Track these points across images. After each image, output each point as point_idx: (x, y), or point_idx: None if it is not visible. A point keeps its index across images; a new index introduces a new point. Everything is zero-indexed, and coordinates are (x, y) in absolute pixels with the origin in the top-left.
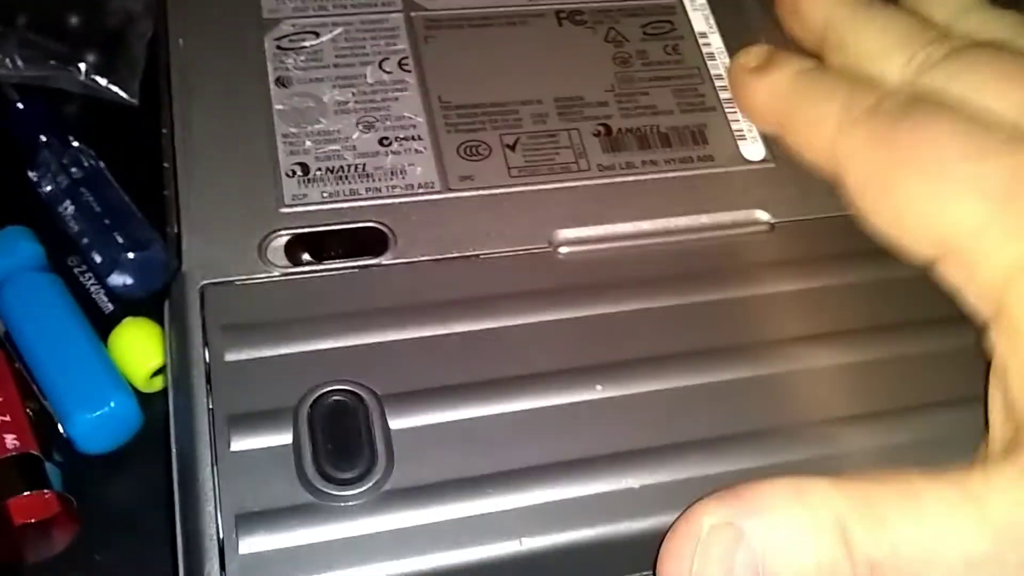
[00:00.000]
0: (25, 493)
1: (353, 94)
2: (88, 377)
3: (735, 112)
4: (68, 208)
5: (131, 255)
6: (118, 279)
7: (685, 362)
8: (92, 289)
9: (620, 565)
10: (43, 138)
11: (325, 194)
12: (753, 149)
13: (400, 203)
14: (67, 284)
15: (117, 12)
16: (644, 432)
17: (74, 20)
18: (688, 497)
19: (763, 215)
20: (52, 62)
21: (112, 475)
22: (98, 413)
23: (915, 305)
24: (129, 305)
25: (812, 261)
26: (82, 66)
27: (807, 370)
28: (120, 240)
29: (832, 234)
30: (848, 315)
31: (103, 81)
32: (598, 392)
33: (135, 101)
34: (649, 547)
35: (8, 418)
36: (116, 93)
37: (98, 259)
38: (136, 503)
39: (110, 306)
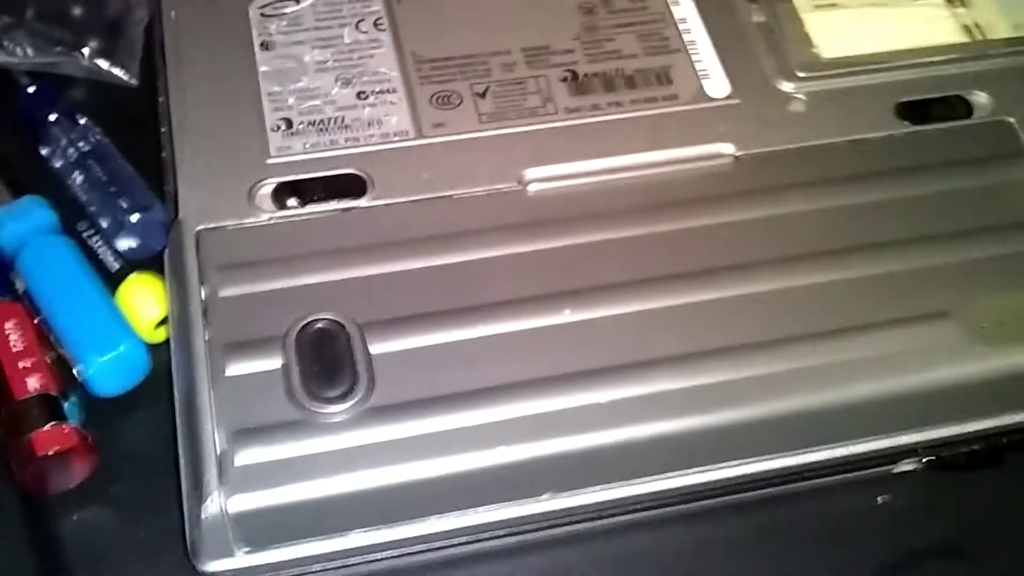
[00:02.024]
0: (46, 427)
1: (332, 54)
2: (100, 325)
3: (699, 52)
4: (77, 179)
5: (134, 218)
6: (124, 240)
7: (649, 286)
8: (100, 251)
9: (589, 475)
10: (52, 117)
11: (307, 145)
12: (718, 86)
13: (377, 151)
14: (79, 247)
15: (116, 1)
16: (610, 352)
17: (77, 10)
18: (652, 411)
19: (727, 148)
20: (58, 49)
21: (125, 416)
22: (110, 355)
23: (873, 228)
24: (136, 265)
25: (775, 190)
26: (85, 52)
27: (770, 291)
28: (124, 205)
29: (794, 164)
30: (808, 239)
31: (105, 64)
32: (567, 316)
33: (135, 82)
34: (614, 458)
35: (30, 364)
36: (117, 75)
37: (105, 223)
38: (147, 442)
39: (116, 265)
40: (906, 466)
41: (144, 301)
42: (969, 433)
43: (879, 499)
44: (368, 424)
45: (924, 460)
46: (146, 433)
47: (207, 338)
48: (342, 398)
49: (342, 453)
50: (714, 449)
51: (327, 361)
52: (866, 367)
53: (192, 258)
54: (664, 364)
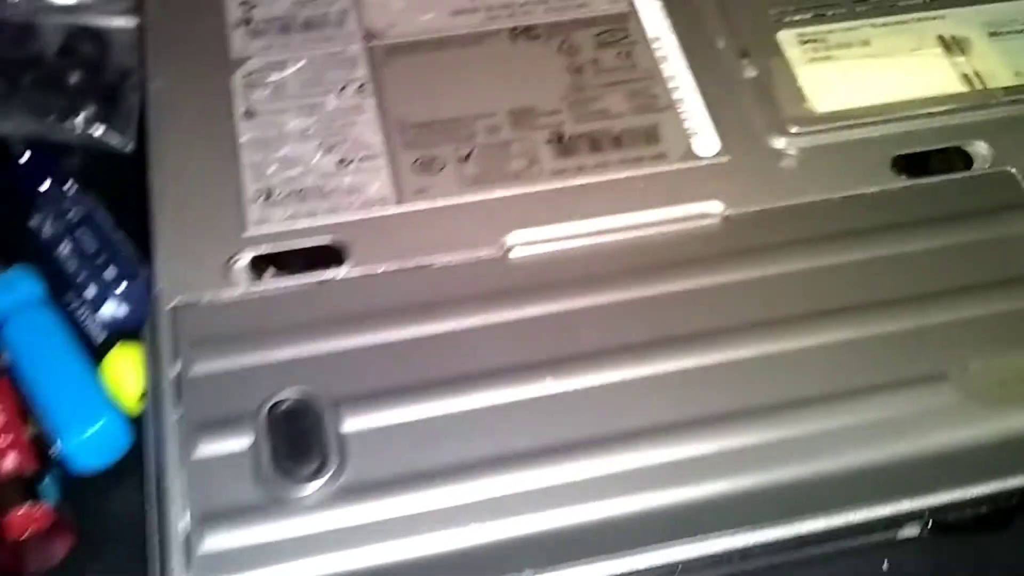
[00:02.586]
0: (21, 508)
1: (315, 121)
2: (80, 400)
3: (688, 109)
4: (64, 249)
5: (120, 288)
6: (109, 311)
7: (634, 353)
8: (87, 322)
9: (570, 551)
10: (43, 187)
11: (286, 215)
12: (706, 144)
13: (357, 219)
14: (65, 318)
15: (114, 68)
16: (593, 422)
17: (73, 77)
18: (637, 486)
19: (716, 207)
20: (53, 117)
21: (110, 490)
22: (88, 431)
23: (868, 288)
24: (123, 334)
25: (765, 249)
26: (80, 119)
27: (762, 356)
28: (111, 275)
29: (786, 222)
30: (800, 300)
31: (99, 132)
32: (548, 386)
33: (130, 148)
34: (598, 534)
35: (7, 442)
36: (112, 142)
37: (91, 294)
38: (131, 516)
39: (102, 337)
40: (911, 530)
41: (128, 373)
42: (975, 497)
43: (885, 564)
44: (340, 504)
45: (929, 524)
46: (130, 507)
47: (178, 417)
48: (312, 477)
49: (313, 535)
50: (708, 521)
51: (297, 439)
52: (863, 434)
53: (166, 333)
54: (651, 434)
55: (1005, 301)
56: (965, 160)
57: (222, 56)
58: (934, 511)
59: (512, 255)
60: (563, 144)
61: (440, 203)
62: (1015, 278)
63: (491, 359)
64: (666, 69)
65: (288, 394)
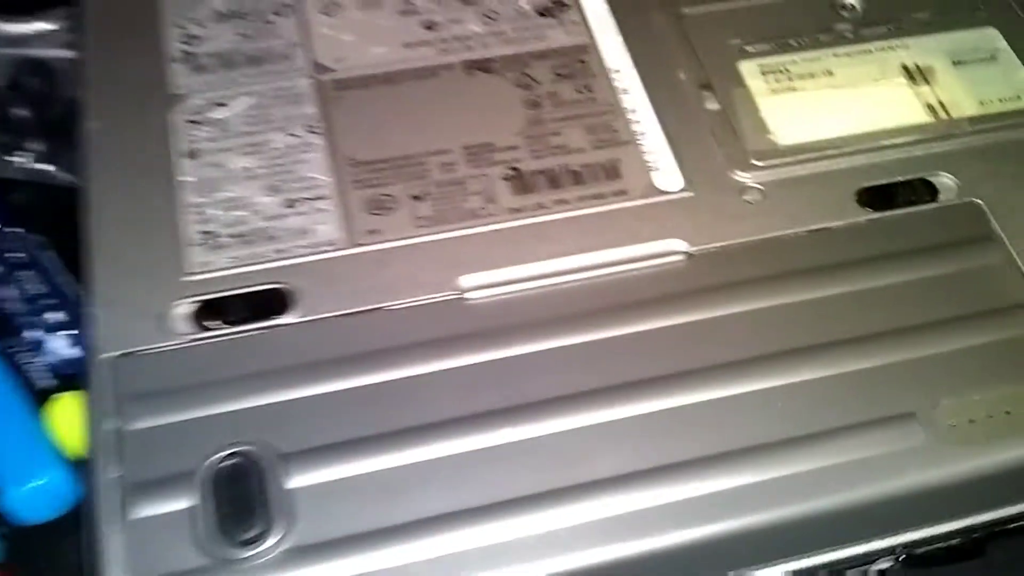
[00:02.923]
0: None
1: (261, 160)
2: (24, 449)
3: (649, 143)
4: (7, 291)
5: (64, 332)
6: (53, 355)
7: (594, 398)
8: (32, 368)
9: None
10: None
11: (230, 259)
12: (669, 179)
13: (304, 262)
14: (7, 364)
15: (62, 101)
16: (553, 473)
17: (21, 111)
18: (601, 538)
19: (679, 244)
20: None
21: (56, 544)
22: (31, 486)
23: (835, 325)
24: (68, 380)
25: (730, 287)
26: (27, 155)
27: (727, 398)
28: (56, 318)
29: (751, 258)
30: (766, 339)
31: (49, 167)
32: (505, 435)
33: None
34: None
35: None
36: (62, 177)
37: (34, 338)
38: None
39: (46, 383)
40: (884, 564)
41: (74, 420)
42: (947, 532)
43: None
44: (288, 567)
45: (901, 558)
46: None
47: (115, 475)
48: (256, 540)
49: None
50: (675, 572)
51: (240, 499)
52: (831, 477)
53: (103, 386)
54: (613, 484)
55: (974, 336)
56: (931, 191)
57: (162, 92)
58: (906, 546)
59: (468, 297)
60: (521, 181)
61: (393, 244)
62: (984, 312)
63: (447, 407)
64: (626, 102)
65: (232, 450)
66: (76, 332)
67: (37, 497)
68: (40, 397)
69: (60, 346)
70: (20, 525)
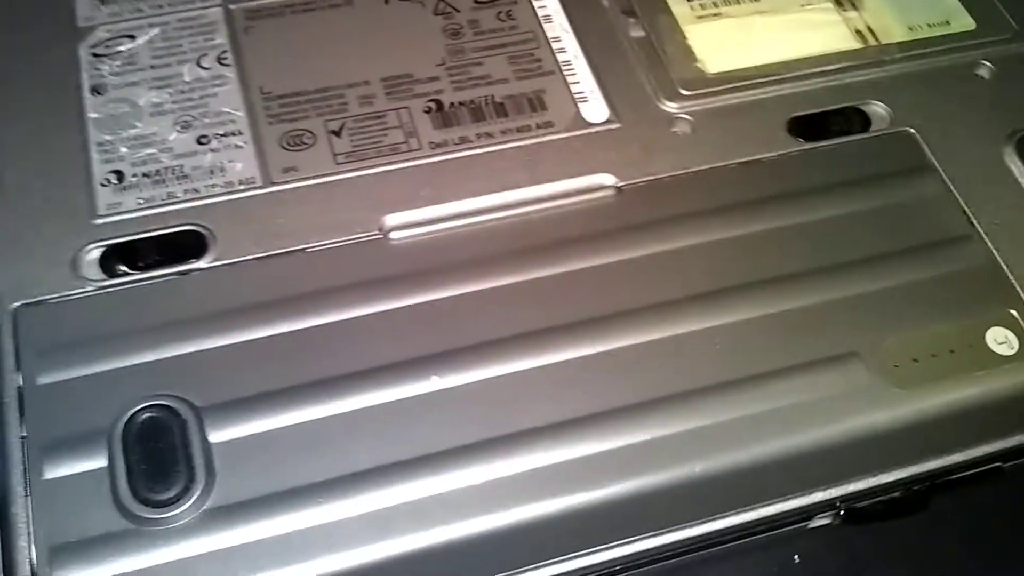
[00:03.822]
0: None
1: (170, 94)
2: None
3: (575, 73)
4: None
5: None
6: None
7: (524, 343)
8: None
9: (463, 566)
10: None
11: (141, 200)
12: (596, 111)
13: (219, 202)
14: None
15: None
16: (482, 423)
17: None
18: (534, 489)
19: (608, 179)
20: None
21: None
22: None
23: (770, 261)
24: None
25: (661, 223)
26: None
27: (658, 340)
28: None
29: (681, 192)
30: (699, 277)
31: None
32: (433, 383)
33: None
34: (492, 545)
35: None
36: None
37: None
38: None
39: None
40: (823, 519)
41: None
42: (888, 483)
43: (796, 558)
44: (208, 529)
45: (842, 512)
46: None
47: (22, 434)
48: (176, 500)
49: (180, 565)
50: (606, 526)
51: (158, 456)
52: (770, 421)
53: (6, 338)
54: (543, 433)
55: (914, 271)
56: (863, 121)
57: (67, 25)
58: (846, 499)
59: (392, 237)
60: (442, 114)
61: (311, 182)
62: (922, 245)
63: (372, 355)
64: (550, 30)
65: (147, 404)
66: None
67: None
68: None
69: None
70: None
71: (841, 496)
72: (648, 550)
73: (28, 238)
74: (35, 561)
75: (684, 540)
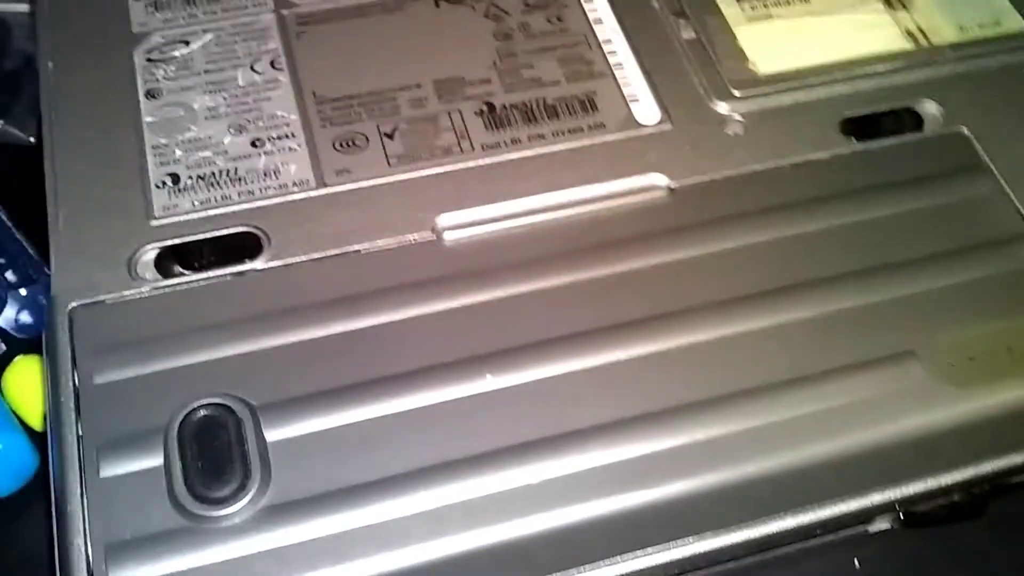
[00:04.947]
0: None
1: (224, 98)
2: None
3: (626, 75)
4: None
5: (20, 292)
6: (7, 318)
7: (580, 342)
8: None
9: (524, 566)
10: None
11: (196, 202)
12: (647, 112)
13: (274, 204)
14: None
15: (15, 55)
16: (539, 422)
17: None
18: (589, 489)
19: (660, 179)
20: None
21: (14, 519)
22: None
23: (824, 262)
24: (27, 344)
25: (714, 224)
26: None
27: (715, 340)
28: (10, 279)
29: (734, 193)
30: (754, 277)
31: (2, 124)
32: (488, 382)
33: (33, 140)
34: (552, 544)
35: None
36: (13, 133)
37: None
38: (37, 549)
39: (2, 346)
40: (882, 524)
41: (31, 387)
42: (947, 485)
43: (857, 561)
44: (264, 526)
45: (901, 516)
46: (39, 535)
47: (79, 433)
48: (232, 498)
49: (236, 563)
50: (665, 527)
51: (214, 454)
52: (826, 421)
53: (64, 339)
54: (601, 433)
55: (969, 270)
56: (916, 121)
57: (122, 31)
58: (905, 502)
59: (445, 238)
60: (494, 116)
61: (364, 184)
62: (978, 244)
63: (425, 354)
64: (600, 32)
65: (203, 403)
66: (31, 294)
67: None
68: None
69: (14, 308)
70: None
71: (898, 499)
72: (705, 553)
73: (85, 240)
74: (91, 559)
75: (739, 543)
